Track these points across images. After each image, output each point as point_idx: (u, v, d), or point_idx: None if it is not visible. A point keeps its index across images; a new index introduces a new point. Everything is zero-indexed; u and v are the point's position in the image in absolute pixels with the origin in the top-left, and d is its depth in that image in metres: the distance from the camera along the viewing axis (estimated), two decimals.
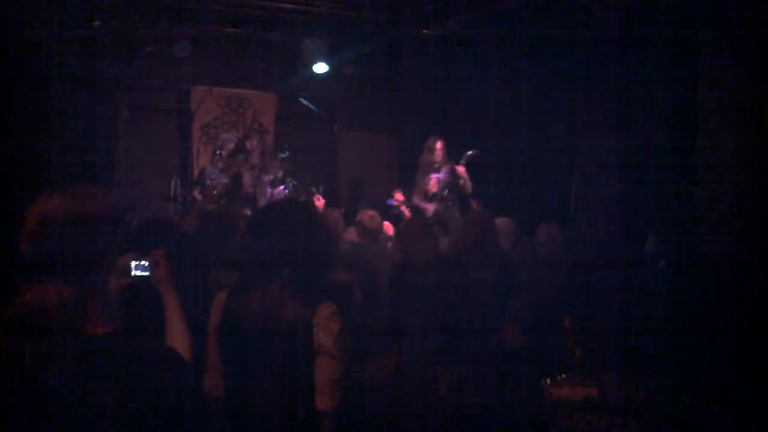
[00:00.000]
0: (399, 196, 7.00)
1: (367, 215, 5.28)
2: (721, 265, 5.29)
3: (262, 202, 7.54)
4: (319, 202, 7.09)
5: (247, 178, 7.69)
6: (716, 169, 5.90)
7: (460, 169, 7.28)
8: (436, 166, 7.52)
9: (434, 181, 7.48)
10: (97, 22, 7.78)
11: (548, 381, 2.80)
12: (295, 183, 8.31)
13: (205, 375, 2.66)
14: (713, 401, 3.05)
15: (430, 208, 7.34)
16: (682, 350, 3.40)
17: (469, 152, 7.37)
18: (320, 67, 9.09)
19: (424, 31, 8.56)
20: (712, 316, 3.70)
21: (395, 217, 6.72)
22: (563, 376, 2.84)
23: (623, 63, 6.63)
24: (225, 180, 7.66)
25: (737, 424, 2.95)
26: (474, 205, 6.49)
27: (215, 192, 7.52)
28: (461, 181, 7.28)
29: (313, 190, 7.80)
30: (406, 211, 6.88)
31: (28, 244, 2.00)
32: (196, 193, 7.78)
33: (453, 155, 7.55)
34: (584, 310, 3.44)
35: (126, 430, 1.94)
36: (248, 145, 8.00)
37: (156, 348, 2.18)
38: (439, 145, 7.53)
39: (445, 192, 7.37)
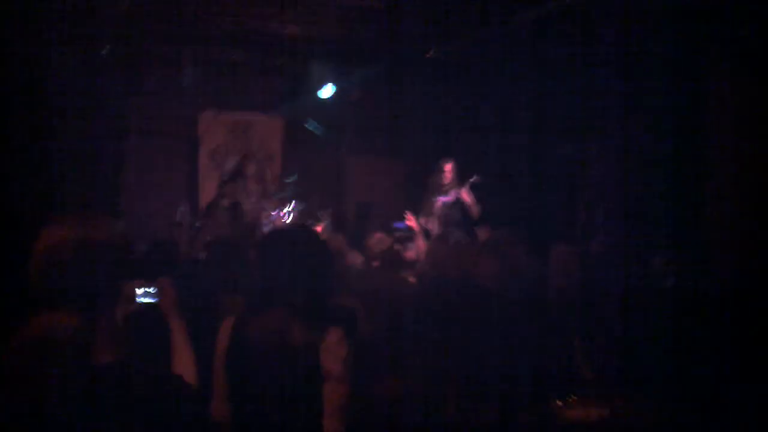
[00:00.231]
0: (411, 218, 6.95)
1: (376, 238, 5.27)
2: (727, 280, 5.26)
3: (266, 227, 7.54)
4: (319, 227, 7.02)
5: (245, 204, 7.70)
6: (720, 175, 5.90)
7: (464, 194, 7.28)
8: (445, 188, 7.53)
9: (440, 204, 7.48)
10: (105, 47, 7.83)
11: (560, 402, 2.77)
12: (303, 207, 8.33)
13: (212, 402, 2.64)
14: (726, 419, 3.02)
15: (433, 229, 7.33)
16: (693, 369, 3.37)
17: (472, 179, 7.39)
18: (326, 91, 9.14)
19: (429, 53, 8.59)
20: (722, 333, 3.67)
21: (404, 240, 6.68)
22: (575, 397, 2.82)
23: (624, 77, 6.66)
24: (227, 205, 7.67)
25: None
26: (483, 231, 6.40)
27: (220, 218, 7.54)
28: (467, 206, 7.29)
29: (321, 214, 7.81)
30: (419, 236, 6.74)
31: (36, 274, 2.00)
32: (206, 221, 7.81)
33: (459, 176, 7.57)
34: (594, 330, 3.42)
35: None
36: (246, 169, 8.01)
37: (162, 376, 2.17)
38: (448, 167, 7.55)
39: (447, 217, 7.37)
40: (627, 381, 3.09)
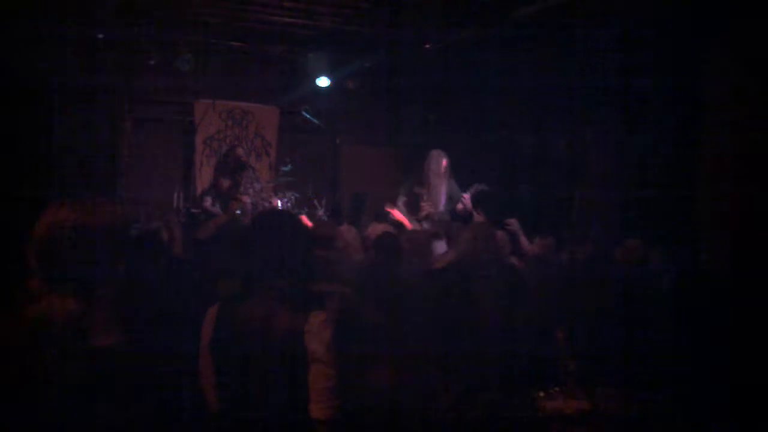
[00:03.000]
0: (396, 213, 7.00)
1: (377, 228, 5.31)
2: (721, 275, 5.29)
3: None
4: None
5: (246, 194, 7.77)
6: (718, 172, 5.94)
7: (465, 197, 7.35)
8: (439, 180, 7.58)
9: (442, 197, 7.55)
10: (100, 35, 7.85)
11: (542, 393, 2.82)
12: (297, 196, 8.39)
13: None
14: (710, 415, 3.07)
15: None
16: (678, 364, 3.41)
17: (476, 186, 7.46)
18: (323, 81, 9.16)
19: (426, 45, 8.61)
20: (710, 328, 3.71)
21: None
22: (556, 389, 2.87)
23: (625, 74, 6.70)
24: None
25: None
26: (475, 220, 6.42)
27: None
28: (459, 206, 7.36)
29: (315, 203, 7.85)
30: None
31: (35, 257, 2.04)
32: (207, 204, 7.81)
33: (454, 168, 7.60)
34: (578, 322, 3.46)
35: None
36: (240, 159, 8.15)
37: (161, 358, 2.22)
38: (444, 162, 7.59)
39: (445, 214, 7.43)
40: (610, 373, 3.14)
